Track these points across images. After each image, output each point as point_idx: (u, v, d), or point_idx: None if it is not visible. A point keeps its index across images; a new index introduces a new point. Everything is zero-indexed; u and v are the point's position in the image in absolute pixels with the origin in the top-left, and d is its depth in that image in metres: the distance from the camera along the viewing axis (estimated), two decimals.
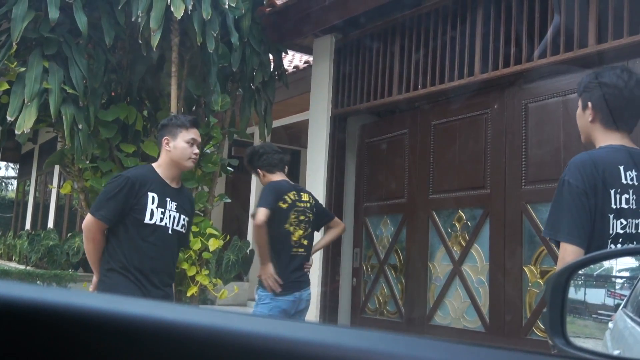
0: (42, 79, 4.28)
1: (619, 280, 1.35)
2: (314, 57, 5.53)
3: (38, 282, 8.34)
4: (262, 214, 3.36)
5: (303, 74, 6.48)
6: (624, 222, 1.94)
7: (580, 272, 1.30)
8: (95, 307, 0.57)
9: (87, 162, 4.78)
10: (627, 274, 1.34)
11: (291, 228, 3.49)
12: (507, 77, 3.93)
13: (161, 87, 5.23)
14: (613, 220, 1.93)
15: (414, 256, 4.52)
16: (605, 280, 1.35)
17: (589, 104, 2.08)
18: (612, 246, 1.92)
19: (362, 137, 5.17)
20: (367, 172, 5.08)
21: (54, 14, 4.22)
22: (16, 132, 4.26)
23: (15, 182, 19.45)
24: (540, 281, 3.62)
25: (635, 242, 1.95)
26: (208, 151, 5.19)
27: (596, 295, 1.36)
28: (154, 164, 2.97)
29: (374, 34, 4.95)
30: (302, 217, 3.55)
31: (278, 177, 3.62)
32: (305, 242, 3.56)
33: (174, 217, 2.86)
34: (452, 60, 4.26)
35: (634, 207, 1.95)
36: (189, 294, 4.73)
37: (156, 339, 0.54)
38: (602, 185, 1.93)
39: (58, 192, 11.47)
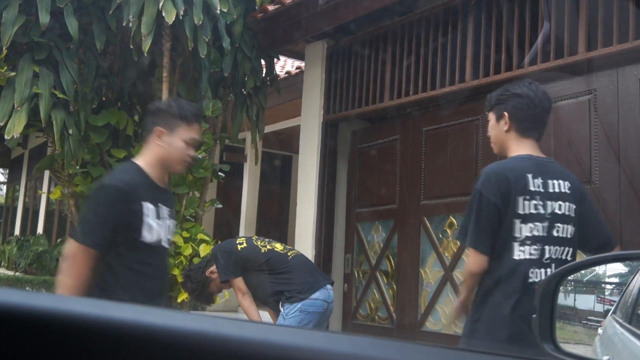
0: (32, 83, 4.26)
1: (608, 286, 1.36)
2: (305, 63, 5.53)
3: (27, 288, 8.28)
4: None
5: (295, 80, 6.48)
6: (532, 226, 2.08)
7: (569, 277, 1.31)
8: (85, 313, 0.56)
9: (78, 167, 4.77)
10: (616, 279, 1.34)
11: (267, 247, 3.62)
12: (498, 83, 3.93)
13: (152, 92, 5.22)
14: (520, 224, 2.07)
15: (405, 262, 4.52)
16: (594, 286, 1.35)
17: (505, 114, 2.24)
18: (520, 247, 2.06)
19: (354, 143, 5.17)
20: (358, 178, 5.08)
21: (44, 18, 4.20)
22: (6, 137, 4.25)
23: (4, 187, 19.31)
24: None
25: (543, 244, 2.08)
26: (200, 156, 5.18)
27: (586, 301, 1.37)
28: (138, 161, 2.35)
29: (365, 40, 4.97)
30: (262, 243, 3.68)
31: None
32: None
33: (168, 226, 2.34)
34: (443, 67, 4.28)
35: (542, 211, 2.09)
36: (179, 300, 4.72)
37: (146, 344, 0.53)
38: (511, 193, 2.08)
39: (48, 198, 11.40)
